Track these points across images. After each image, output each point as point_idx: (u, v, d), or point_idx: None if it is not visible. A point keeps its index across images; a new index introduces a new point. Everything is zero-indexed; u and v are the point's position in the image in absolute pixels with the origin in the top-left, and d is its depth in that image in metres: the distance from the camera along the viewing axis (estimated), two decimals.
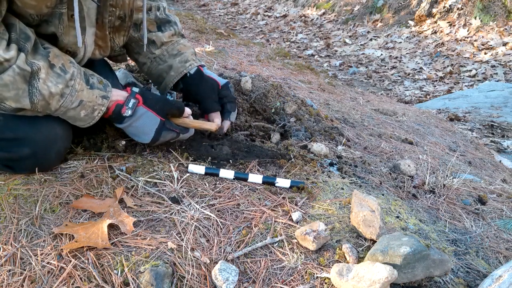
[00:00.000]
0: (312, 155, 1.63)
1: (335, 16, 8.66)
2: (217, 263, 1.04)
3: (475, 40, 6.44)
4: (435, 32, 6.93)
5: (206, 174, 1.40)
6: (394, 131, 2.47)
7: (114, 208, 1.18)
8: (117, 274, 0.98)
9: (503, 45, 6.16)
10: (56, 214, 1.16)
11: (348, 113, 2.60)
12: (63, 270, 0.98)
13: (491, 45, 6.23)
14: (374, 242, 1.14)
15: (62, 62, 1.17)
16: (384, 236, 1.10)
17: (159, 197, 1.27)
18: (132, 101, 1.30)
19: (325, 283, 1.02)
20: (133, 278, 0.97)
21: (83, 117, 1.24)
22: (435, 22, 7.11)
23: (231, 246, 1.12)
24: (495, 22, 6.57)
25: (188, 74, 1.57)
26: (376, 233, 1.13)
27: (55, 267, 0.99)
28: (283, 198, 1.33)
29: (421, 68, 6.13)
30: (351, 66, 6.47)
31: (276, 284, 1.02)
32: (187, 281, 0.99)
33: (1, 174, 1.29)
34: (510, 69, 5.69)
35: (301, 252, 1.12)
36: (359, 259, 1.09)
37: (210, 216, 1.21)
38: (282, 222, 1.22)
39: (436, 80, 5.72)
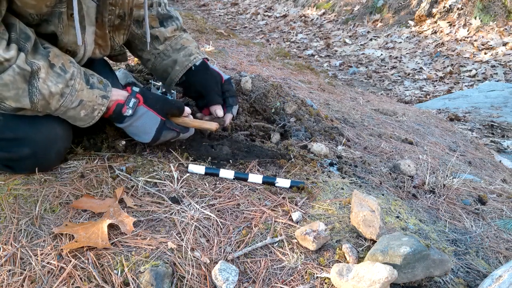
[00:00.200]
0: (312, 155, 1.63)
1: (335, 16, 8.66)
2: (217, 263, 1.04)
3: (475, 40, 6.44)
4: (435, 32, 6.93)
5: (206, 174, 1.40)
6: (394, 131, 2.47)
7: (114, 208, 1.18)
8: (117, 274, 0.98)
9: (503, 45, 6.16)
10: (56, 214, 1.16)
11: (348, 113, 2.60)
12: (63, 270, 0.98)
13: (491, 45, 6.23)
14: (374, 242, 1.14)
15: (62, 61, 1.17)
16: (384, 236, 1.10)
17: (159, 197, 1.27)
18: (133, 100, 1.30)
19: (325, 283, 1.02)
20: (133, 278, 0.97)
21: (83, 116, 1.24)
22: (435, 22, 7.11)
23: (231, 246, 1.12)
24: (495, 22, 6.57)
25: (193, 67, 1.58)
26: (376, 233, 1.13)
27: (55, 267, 0.99)
28: (283, 198, 1.33)
29: (421, 68, 6.13)
30: (351, 66, 6.47)
31: (276, 284, 1.02)
32: (187, 281, 0.99)
33: (1, 174, 1.29)
34: (510, 69, 5.69)
35: (301, 252, 1.12)
36: (359, 259, 1.09)
37: (210, 216, 1.21)
38: (282, 222, 1.22)
39: (436, 80, 5.72)
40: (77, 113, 1.22)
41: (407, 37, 7.08)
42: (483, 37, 6.46)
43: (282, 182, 1.38)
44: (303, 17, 9.05)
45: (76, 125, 1.28)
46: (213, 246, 1.11)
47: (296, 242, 1.15)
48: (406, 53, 6.65)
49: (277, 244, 1.15)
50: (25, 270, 0.98)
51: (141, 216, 1.18)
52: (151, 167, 1.39)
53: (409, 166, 1.73)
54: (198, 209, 1.23)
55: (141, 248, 1.06)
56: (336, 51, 7.21)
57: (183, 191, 1.30)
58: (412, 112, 3.27)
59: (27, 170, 1.28)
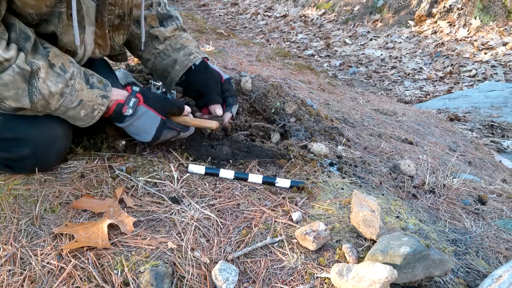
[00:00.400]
0: (312, 155, 1.63)
1: (335, 16, 8.66)
2: (217, 263, 1.04)
3: (475, 40, 6.44)
4: (435, 32, 6.93)
5: (206, 174, 1.40)
6: (394, 131, 2.47)
7: (114, 208, 1.18)
8: (117, 274, 0.98)
9: (503, 45, 6.16)
10: (56, 214, 1.16)
11: (348, 113, 2.60)
12: (63, 270, 0.98)
13: (491, 45, 6.23)
14: (374, 242, 1.14)
15: (62, 61, 1.17)
16: (384, 236, 1.10)
17: (159, 197, 1.27)
18: (133, 100, 1.30)
19: (325, 283, 1.02)
20: (133, 278, 0.97)
21: (83, 116, 1.24)
22: (435, 22, 7.11)
23: (231, 246, 1.12)
24: (495, 22, 6.57)
25: (193, 66, 1.58)
26: (376, 233, 1.13)
27: (55, 267, 0.99)
28: (283, 198, 1.33)
29: (421, 68, 6.13)
30: (351, 66, 6.47)
31: (276, 284, 1.02)
32: (187, 281, 0.99)
33: (1, 174, 1.29)
34: (510, 69, 5.69)
35: (301, 252, 1.12)
36: (359, 259, 1.09)
37: (210, 216, 1.21)
38: (282, 222, 1.22)
39: (436, 80, 5.72)
40: (77, 113, 1.22)
41: (407, 37, 7.08)
42: (483, 37, 6.46)
43: (282, 182, 1.38)
44: (303, 17, 9.05)
45: (76, 125, 1.28)
46: (213, 246, 1.11)
47: (296, 242, 1.15)
48: (406, 53, 6.65)
49: (277, 244, 1.15)
50: (25, 270, 0.98)
51: (141, 216, 1.18)
52: (151, 167, 1.39)
53: (409, 166, 1.73)
54: (198, 209, 1.23)
55: (141, 248, 1.06)
56: (336, 51, 7.21)
57: (183, 191, 1.30)
58: (412, 112, 3.27)
59: (27, 170, 1.28)
